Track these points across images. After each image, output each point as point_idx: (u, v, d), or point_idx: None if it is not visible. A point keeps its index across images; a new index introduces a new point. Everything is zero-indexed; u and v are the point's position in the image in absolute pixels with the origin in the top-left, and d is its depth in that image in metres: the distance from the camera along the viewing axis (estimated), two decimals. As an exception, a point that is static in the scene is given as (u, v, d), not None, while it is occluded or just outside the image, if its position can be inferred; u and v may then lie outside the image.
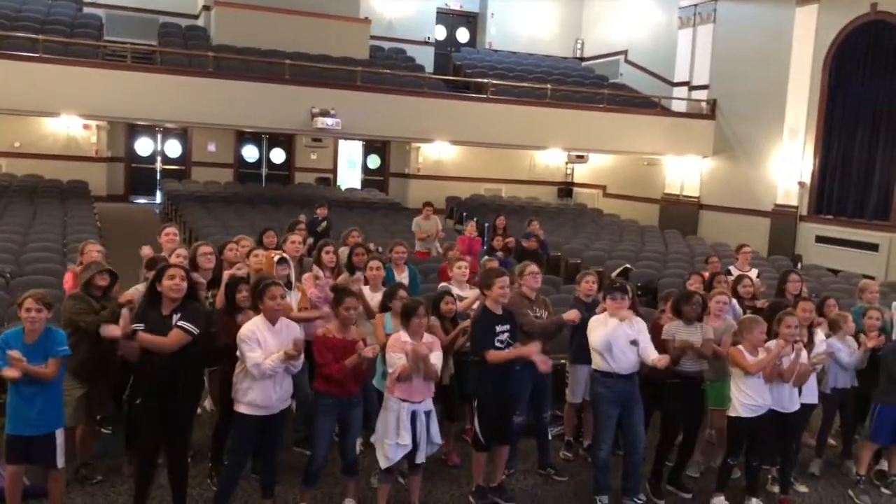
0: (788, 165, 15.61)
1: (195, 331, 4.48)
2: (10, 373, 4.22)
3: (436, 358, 4.86)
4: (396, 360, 4.80)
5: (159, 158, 19.33)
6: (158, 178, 18.95)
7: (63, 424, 4.55)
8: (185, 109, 13.98)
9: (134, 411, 4.69)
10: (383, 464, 4.89)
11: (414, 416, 4.85)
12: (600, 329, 5.32)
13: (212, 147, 19.34)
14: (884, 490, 6.06)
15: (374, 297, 6.01)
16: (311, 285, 6.04)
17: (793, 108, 15.54)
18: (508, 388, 5.18)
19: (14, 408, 4.40)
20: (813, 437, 6.50)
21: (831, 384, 6.11)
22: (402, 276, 6.85)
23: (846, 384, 6.17)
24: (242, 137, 19.80)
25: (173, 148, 19.43)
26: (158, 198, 18.19)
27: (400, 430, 4.81)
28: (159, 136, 19.21)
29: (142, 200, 18.55)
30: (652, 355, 5.25)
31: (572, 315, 5.62)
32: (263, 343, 4.55)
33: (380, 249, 8.03)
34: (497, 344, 5.11)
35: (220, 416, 5.29)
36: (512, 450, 5.58)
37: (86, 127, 17.28)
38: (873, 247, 13.99)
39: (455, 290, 6.27)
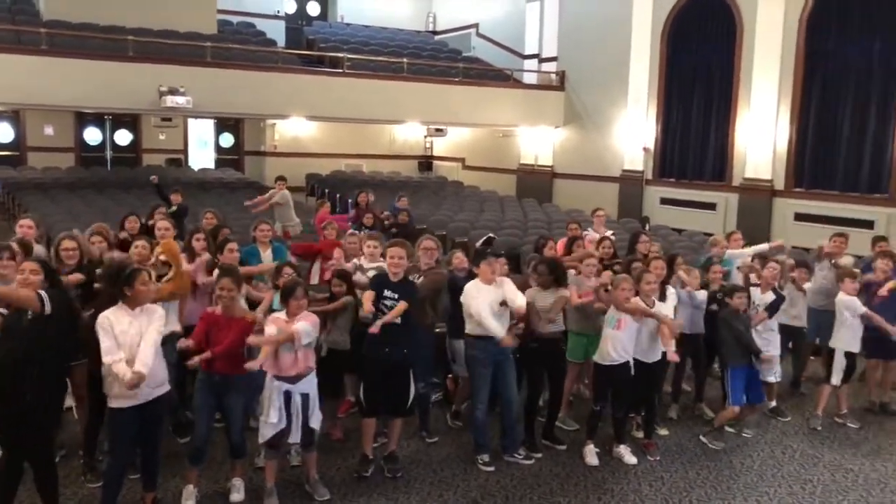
0: (633, 132, 16.51)
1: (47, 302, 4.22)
2: None
3: (303, 327, 4.73)
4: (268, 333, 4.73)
5: (-12, 144, 17.88)
6: (-11, 165, 17.49)
7: None
8: (15, 90, 12.98)
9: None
10: (259, 439, 4.91)
11: (288, 396, 4.79)
12: (477, 296, 5.48)
13: (49, 130, 18.13)
14: (745, 432, 6.47)
15: None
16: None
17: (635, 77, 16.40)
18: (394, 354, 5.23)
19: None
20: (668, 383, 6.99)
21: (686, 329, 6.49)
22: (267, 254, 6.77)
23: (696, 330, 6.62)
24: (83, 119, 18.62)
25: (4, 132, 18.03)
26: (-10, 187, 16.80)
27: (270, 409, 4.78)
28: (-13, 120, 17.75)
29: (-29, 190, 17.05)
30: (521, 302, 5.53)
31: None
32: (118, 328, 4.29)
33: None
34: (382, 308, 5.21)
35: (90, 410, 5.07)
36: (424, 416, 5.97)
37: None
38: (711, 206, 15.11)
39: (366, 265, 6.22)
